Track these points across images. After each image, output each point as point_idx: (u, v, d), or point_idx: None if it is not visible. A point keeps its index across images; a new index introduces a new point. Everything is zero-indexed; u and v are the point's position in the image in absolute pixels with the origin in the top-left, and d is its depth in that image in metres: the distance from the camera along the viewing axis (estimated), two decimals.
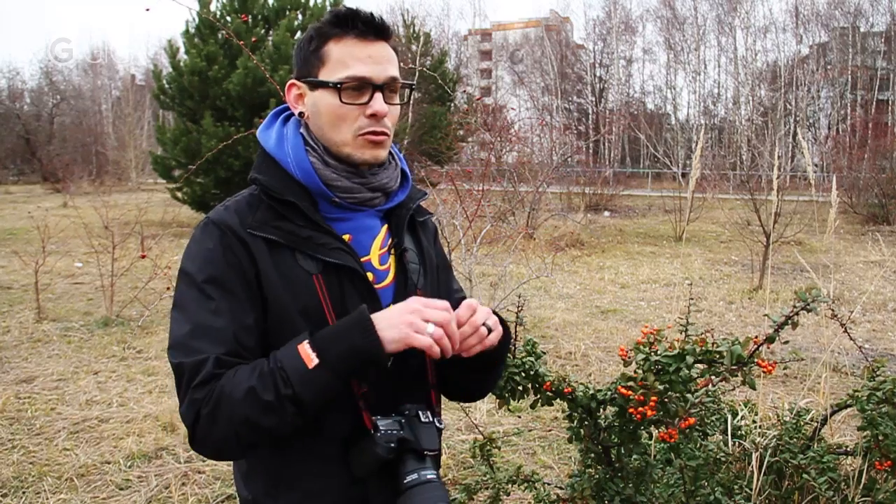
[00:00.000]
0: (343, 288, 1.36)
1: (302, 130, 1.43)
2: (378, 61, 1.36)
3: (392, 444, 1.30)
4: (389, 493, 1.31)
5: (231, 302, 1.31)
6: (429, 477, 1.29)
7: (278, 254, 1.34)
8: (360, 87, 1.35)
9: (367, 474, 1.33)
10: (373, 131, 1.37)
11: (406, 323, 1.24)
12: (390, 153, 1.51)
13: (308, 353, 1.23)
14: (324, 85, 1.36)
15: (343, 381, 1.26)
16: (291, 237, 1.35)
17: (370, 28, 1.36)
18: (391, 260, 1.46)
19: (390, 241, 1.47)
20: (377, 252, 1.44)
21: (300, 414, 1.24)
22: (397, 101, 1.42)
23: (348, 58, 1.35)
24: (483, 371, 1.52)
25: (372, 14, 1.37)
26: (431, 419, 1.37)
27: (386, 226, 1.48)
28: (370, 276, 1.40)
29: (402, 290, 1.45)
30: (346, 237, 1.40)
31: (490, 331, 1.37)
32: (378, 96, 1.35)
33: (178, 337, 1.30)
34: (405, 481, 1.28)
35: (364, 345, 1.24)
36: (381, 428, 1.31)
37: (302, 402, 1.23)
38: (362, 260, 1.40)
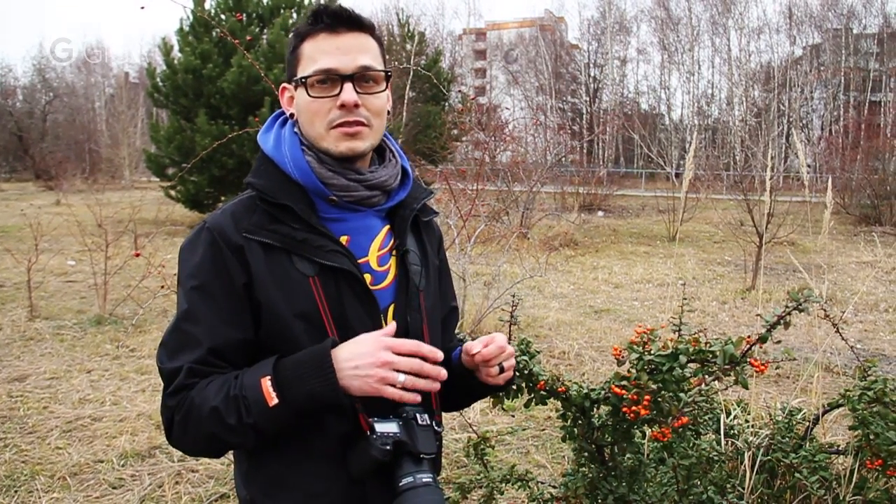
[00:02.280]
0: (340, 290, 1.36)
1: (296, 130, 1.43)
2: (346, 51, 1.35)
3: (387, 447, 1.30)
4: (389, 495, 1.31)
5: (212, 311, 1.32)
6: (424, 480, 1.29)
7: (274, 257, 1.34)
8: (328, 79, 1.35)
9: (364, 476, 1.33)
10: (345, 122, 1.35)
11: (376, 377, 1.24)
12: (390, 150, 1.51)
13: (269, 391, 1.23)
14: (299, 82, 1.37)
15: (307, 415, 1.28)
16: (287, 240, 1.34)
17: (338, 20, 1.36)
18: (392, 261, 1.45)
19: (391, 241, 1.46)
20: (376, 253, 1.43)
21: (259, 438, 1.29)
22: (378, 89, 1.39)
23: (316, 52, 1.36)
24: (479, 397, 1.63)
25: (341, 6, 1.37)
26: (429, 422, 1.37)
27: (388, 226, 1.47)
28: (368, 277, 1.39)
29: (404, 292, 1.44)
30: (343, 239, 1.39)
31: (502, 371, 1.48)
32: (347, 86, 1.34)
33: (164, 337, 1.36)
34: (400, 484, 1.28)
35: (322, 392, 1.24)
36: (377, 430, 1.31)
37: (263, 431, 1.27)
38: (360, 261, 1.39)
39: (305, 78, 1.35)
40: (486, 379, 1.49)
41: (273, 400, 1.23)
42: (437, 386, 1.29)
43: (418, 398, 1.27)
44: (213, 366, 1.31)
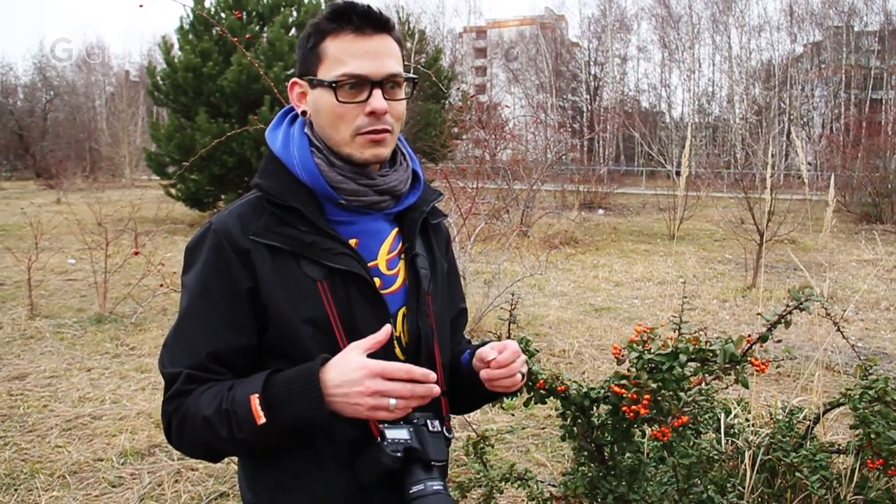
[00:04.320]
0: (349, 294, 1.33)
1: (307, 130, 1.39)
2: (376, 56, 1.31)
3: (398, 454, 1.28)
4: (396, 502, 1.30)
5: (214, 315, 1.31)
6: (435, 488, 1.27)
7: (281, 261, 1.31)
8: (358, 84, 1.30)
9: (373, 483, 1.31)
10: (373, 130, 1.32)
11: (366, 406, 1.19)
12: (402, 153, 1.48)
13: (257, 410, 1.20)
14: (321, 83, 1.32)
15: (299, 432, 1.25)
16: (295, 243, 1.32)
17: (367, 22, 1.31)
18: (401, 264, 1.43)
19: (400, 245, 1.44)
20: (385, 256, 1.41)
21: (251, 452, 1.28)
22: (401, 95, 1.36)
23: (344, 54, 1.30)
24: (489, 400, 1.62)
25: (369, 7, 1.32)
26: (440, 428, 1.36)
27: (396, 229, 1.44)
28: (377, 281, 1.37)
29: (414, 296, 1.43)
30: (352, 242, 1.36)
31: (523, 377, 1.46)
32: (377, 93, 1.30)
33: (166, 339, 1.35)
34: (410, 492, 1.27)
35: (310, 416, 1.21)
36: (387, 437, 1.29)
37: (252, 445, 1.25)
38: (369, 265, 1.37)
39: (335, 82, 1.30)
40: (497, 387, 1.46)
41: (261, 419, 1.20)
42: (427, 401, 1.24)
43: (410, 409, 1.24)
44: (212, 371, 1.29)
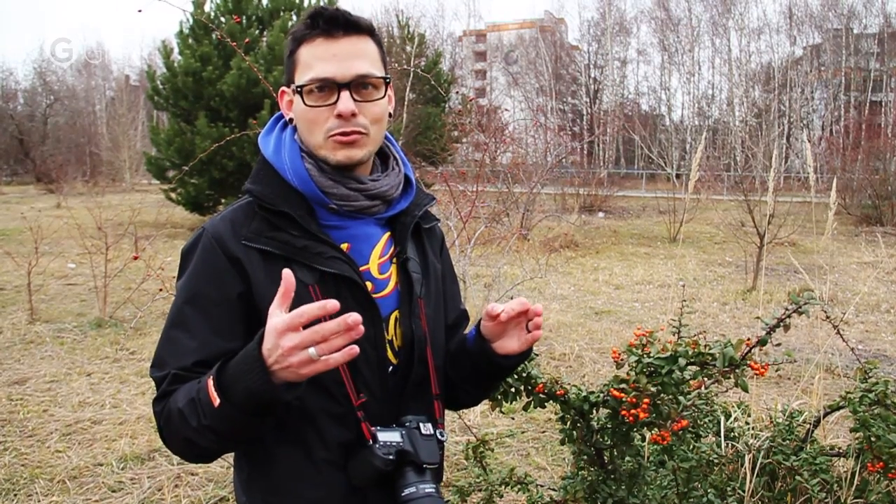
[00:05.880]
0: (341, 298, 1.29)
1: (296, 137, 1.41)
2: (343, 59, 1.31)
3: (391, 457, 1.29)
4: None
5: (204, 319, 1.30)
6: (427, 491, 1.28)
7: (273, 265, 1.30)
8: (325, 87, 1.32)
9: (365, 484, 1.32)
10: (342, 132, 1.32)
11: (293, 365, 1.11)
12: (394, 158, 1.48)
13: (213, 392, 1.18)
14: (295, 90, 1.35)
15: (256, 416, 1.19)
16: (287, 247, 1.32)
17: (335, 25, 1.32)
18: (392, 269, 1.43)
19: (392, 249, 1.44)
20: (377, 261, 1.41)
21: (222, 441, 1.24)
22: (377, 96, 1.35)
23: (313, 59, 1.32)
24: (495, 377, 1.56)
25: (338, 9, 1.33)
26: (433, 432, 1.36)
27: (388, 233, 1.44)
28: (369, 285, 1.37)
29: (407, 300, 1.43)
30: (344, 246, 1.37)
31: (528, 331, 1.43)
32: (344, 95, 1.31)
33: (156, 348, 1.35)
34: (403, 494, 1.28)
35: (258, 388, 1.15)
36: (380, 439, 1.30)
37: (218, 432, 1.21)
38: (361, 269, 1.37)
39: (301, 86, 1.32)
40: (510, 345, 1.42)
41: (216, 400, 1.17)
42: (356, 334, 1.11)
43: (355, 350, 1.12)
44: (198, 373, 1.28)
